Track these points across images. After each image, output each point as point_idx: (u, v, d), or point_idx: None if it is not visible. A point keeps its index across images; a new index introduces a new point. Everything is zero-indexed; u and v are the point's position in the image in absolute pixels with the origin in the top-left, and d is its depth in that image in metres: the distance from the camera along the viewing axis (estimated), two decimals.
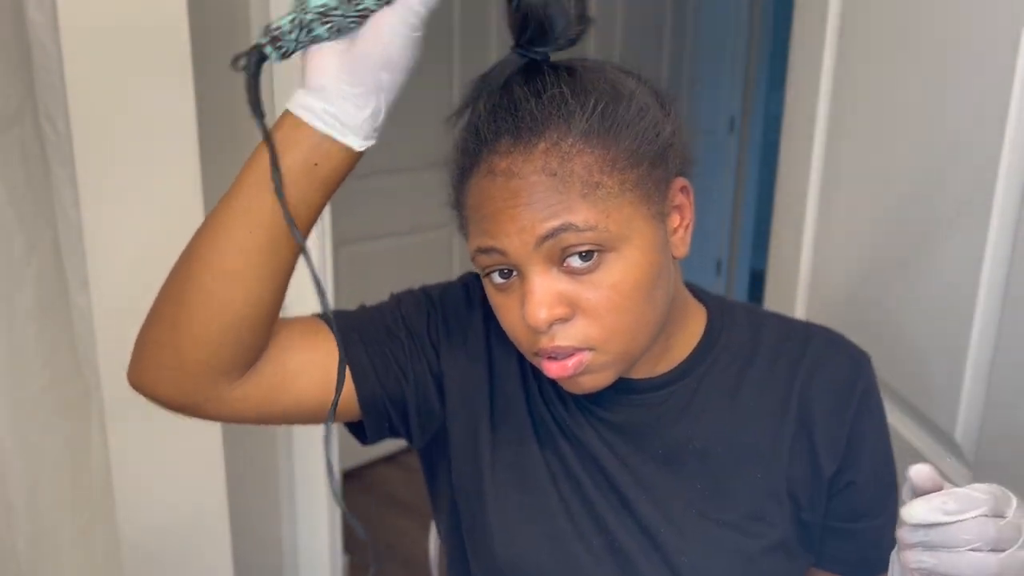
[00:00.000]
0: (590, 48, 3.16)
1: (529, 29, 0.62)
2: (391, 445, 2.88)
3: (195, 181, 1.09)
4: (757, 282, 3.49)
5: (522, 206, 0.62)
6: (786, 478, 0.73)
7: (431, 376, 0.75)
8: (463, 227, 0.69)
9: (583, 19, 0.63)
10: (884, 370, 0.79)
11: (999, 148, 0.85)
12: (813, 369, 0.74)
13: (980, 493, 0.52)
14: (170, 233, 1.12)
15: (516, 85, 0.64)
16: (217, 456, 1.20)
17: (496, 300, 0.67)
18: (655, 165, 0.64)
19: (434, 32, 3.06)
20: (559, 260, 0.62)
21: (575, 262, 0.62)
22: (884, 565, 0.61)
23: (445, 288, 0.80)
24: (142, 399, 1.21)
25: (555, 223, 0.61)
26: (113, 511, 1.22)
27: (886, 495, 0.76)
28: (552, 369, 0.65)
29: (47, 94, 1.06)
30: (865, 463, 0.75)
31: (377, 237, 2.70)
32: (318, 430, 1.60)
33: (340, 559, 1.76)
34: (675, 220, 0.68)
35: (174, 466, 1.21)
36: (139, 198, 1.10)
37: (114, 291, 1.13)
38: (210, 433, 1.19)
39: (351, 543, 2.29)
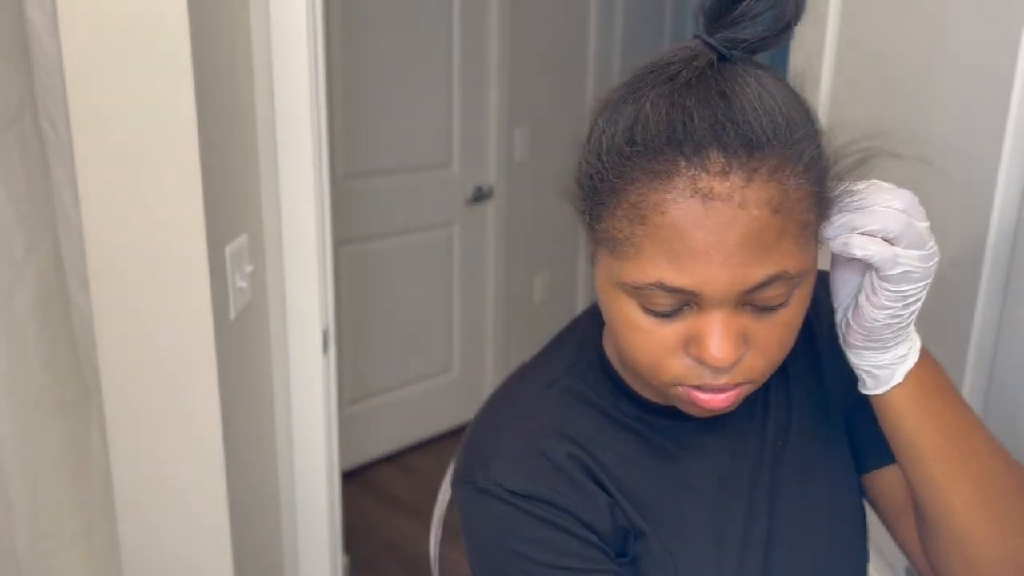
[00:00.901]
0: (590, 48, 3.16)
1: (748, 13, 0.53)
2: (392, 444, 2.88)
3: (195, 181, 1.09)
4: None
5: (740, 247, 0.52)
6: (840, 409, 0.74)
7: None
8: (613, 240, 0.57)
9: (796, 20, 0.56)
10: None
11: (999, 149, 0.85)
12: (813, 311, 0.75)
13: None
14: (170, 233, 1.12)
15: (721, 82, 0.54)
16: (217, 456, 1.20)
17: (643, 324, 0.58)
18: (824, 205, 0.58)
19: (434, 32, 3.06)
20: (749, 299, 0.56)
21: (768, 303, 0.56)
22: None
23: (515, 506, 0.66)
24: (142, 399, 1.22)
25: (771, 271, 0.54)
26: (113, 511, 1.22)
27: None
28: (709, 402, 0.59)
29: (47, 94, 1.06)
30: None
31: (377, 237, 2.70)
32: (318, 430, 1.60)
33: (340, 559, 1.76)
34: None
35: (174, 466, 1.21)
36: (139, 198, 1.10)
37: (114, 291, 1.13)
38: (210, 433, 1.19)
39: (351, 543, 2.29)
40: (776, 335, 0.58)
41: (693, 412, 0.63)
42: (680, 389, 0.60)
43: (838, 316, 0.64)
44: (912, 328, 0.61)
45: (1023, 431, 0.84)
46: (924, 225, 0.57)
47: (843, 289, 0.62)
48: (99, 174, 1.08)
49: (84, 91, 1.05)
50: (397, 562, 2.34)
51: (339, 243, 2.46)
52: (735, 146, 0.52)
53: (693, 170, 0.52)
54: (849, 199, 0.56)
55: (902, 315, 0.59)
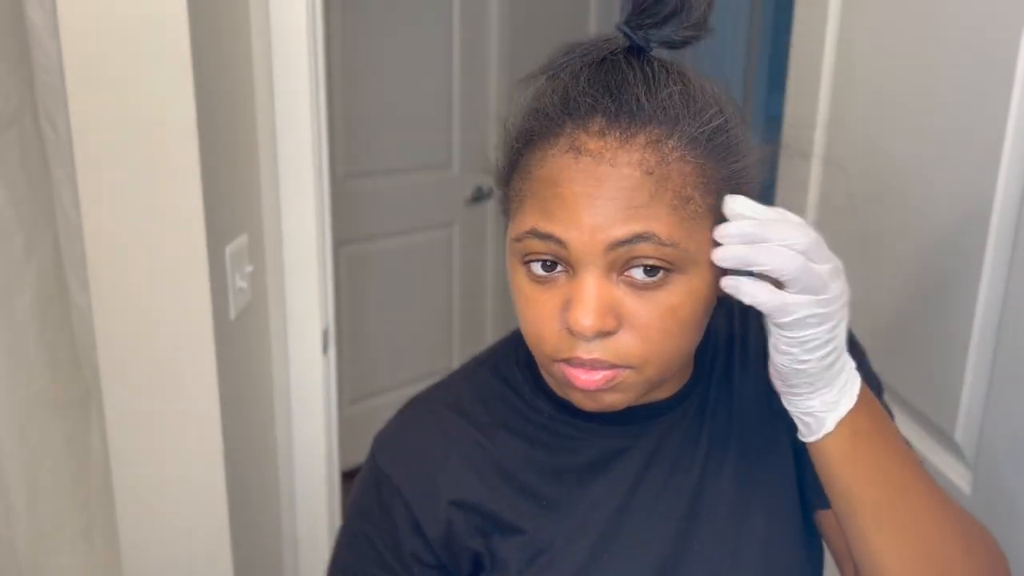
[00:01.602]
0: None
1: (655, 4, 0.56)
2: None
3: (195, 181, 1.09)
4: None
5: (605, 199, 0.55)
6: (782, 421, 0.72)
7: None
8: (510, 201, 0.61)
9: (705, 24, 0.58)
10: (884, 370, 0.79)
11: (999, 148, 0.85)
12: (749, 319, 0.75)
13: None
14: (170, 233, 1.12)
15: (623, 64, 0.58)
16: (217, 456, 1.20)
17: (527, 291, 0.60)
18: (744, 194, 0.58)
19: (434, 32, 3.06)
20: (621, 268, 0.57)
21: (638, 274, 0.56)
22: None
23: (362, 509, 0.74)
24: (142, 399, 1.22)
25: (637, 228, 0.55)
26: (113, 511, 1.22)
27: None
28: (580, 379, 0.59)
29: (47, 94, 1.06)
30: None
31: (377, 237, 2.70)
32: (318, 429, 1.60)
33: None
34: None
35: (174, 466, 1.21)
36: (139, 198, 1.10)
37: (114, 291, 1.13)
38: (210, 433, 1.19)
39: None
40: (656, 319, 0.57)
41: (576, 400, 0.62)
42: (559, 367, 0.60)
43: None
44: (844, 371, 0.58)
45: (1023, 434, 0.84)
46: (826, 267, 0.55)
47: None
48: (99, 174, 1.08)
49: (84, 91, 1.05)
50: None
51: (339, 243, 2.46)
52: (618, 112, 0.56)
53: (576, 131, 0.56)
54: (749, 225, 0.54)
55: (808, 360, 0.55)
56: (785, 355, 0.56)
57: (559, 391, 0.66)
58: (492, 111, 2.91)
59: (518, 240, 0.59)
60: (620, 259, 0.56)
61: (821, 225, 1.29)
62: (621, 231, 0.55)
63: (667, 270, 0.57)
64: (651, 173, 0.55)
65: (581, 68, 0.59)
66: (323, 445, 1.59)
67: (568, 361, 0.59)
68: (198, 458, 1.20)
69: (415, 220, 2.79)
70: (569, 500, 0.70)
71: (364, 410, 2.80)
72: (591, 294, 0.56)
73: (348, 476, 2.65)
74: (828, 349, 0.56)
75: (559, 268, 0.58)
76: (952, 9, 0.94)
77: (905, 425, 1.05)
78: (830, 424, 0.58)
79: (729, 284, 0.55)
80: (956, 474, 0.94)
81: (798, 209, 1.34)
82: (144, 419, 1.19)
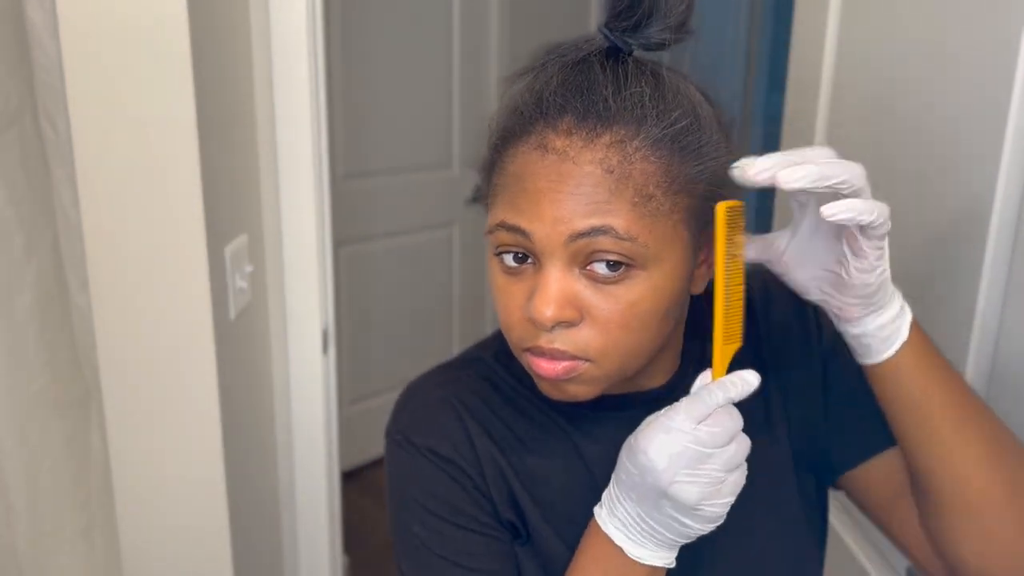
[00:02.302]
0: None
1: (629, 6, 0.58)
2: None
3: (195, 181, 1.09)
4: None
5: (566, 194, 0.57)
6: (786, 425, 0.74)
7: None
8: (486, 195, 0.65)
9: (684, 27, 0.59)
10: None
11: (999, 148, 0.85)
12: (765, 316, 0.75)
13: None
14: (170, 233, 1.12)
15: (596, 66, 0.60)
16: (217, 456, 1.20)
17: (499, 281, 0.63)
18: (707, 198, 0.61)
19: (434, 32, 3.05)
20: (583, 262, 0.59)
21: (600, 268, 0.59)
22: None
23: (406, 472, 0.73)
24: (142, 399, 1.22)
25: (596, 222, 0.57)
26: (113, 511, 1.22)
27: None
28: (542, 367, 0.61)
29: (47, 94, 1.06)
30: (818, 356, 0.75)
31: (377, 237, 2.70)
32: (318, 429, 1.60)
33: (340, 559, 1.76)
34: (702, 255, 0.65)
35: (174, 466, 1.21)
36: (139, 198, 1.10)
37: (114, 291, 1.13)
38: (210, 433, 1.19)
39: (351, 543, 2.29)
40: (617, 313, 0.59)
41: (544, 389, 0.64)
42: (525, 355, 0.63)
43: (815, 296, 0.64)
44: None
45: (1023, 434, 0.84)
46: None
47: (814, 270, 0.63)
48: (99, 174, 1.08)
49: (84, 91, 1.05)
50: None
51: (339, 243, 2.46)
52: (586, 112, 0.58)
53: (546, 130, 0.59)
54: (812, 154, 0.57)
55: (886, 268, 0.60)
56: (874, 270, 0.59)
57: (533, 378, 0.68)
58: (492, 111, 2.91)
59: (490, 232, 0.62)
60: (581, 252, 0.58)
61: None
62: (581, 224, 0.57)
63: (628, 265, 0.59)
64: (611, 171, 0.57)
65: (559, 69, 0.61)
66: (323, 445, 1.59)
67: (532, 350, 0.62)
68: (198, 458, 1.20)
69: (415, 220, 2.80)
70: (576, 489, 0.70)
71: (364, 410, 2.80)
72: (552, 285, 0.59)
73: (348, 476, 2.67)
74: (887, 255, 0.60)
75: (528, 261, 0.61)
76: (952, 10, 0.94)
77: None
78: (905, 330, 0.62)
79: (829, 211, 0.56)
80: None
81: None
82: (144, 419, 1.19)
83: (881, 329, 0.62)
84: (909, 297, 0.74)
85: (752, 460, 0.68)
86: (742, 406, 0.63)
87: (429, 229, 2.85)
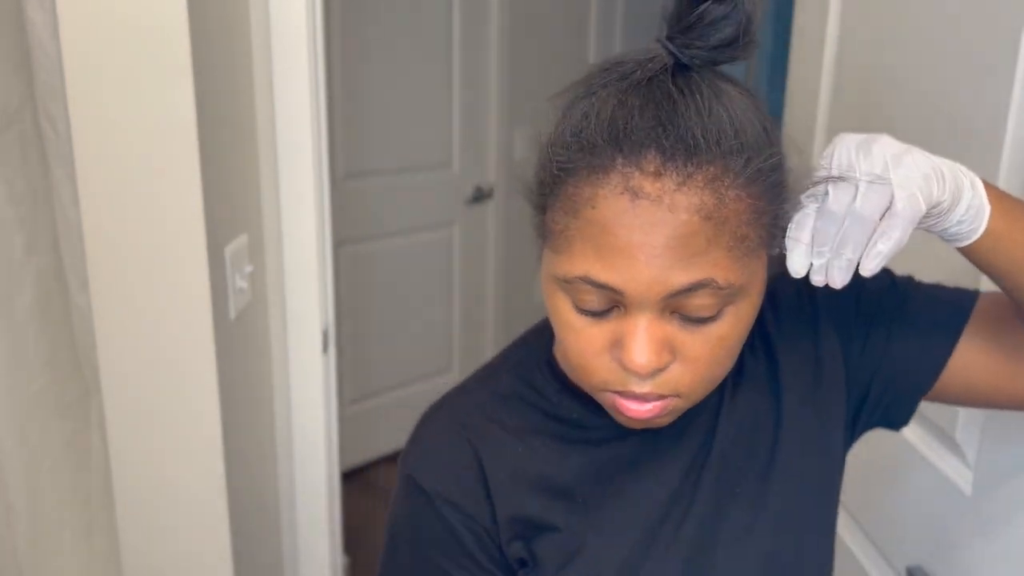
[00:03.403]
0: (590, 48, 3.16)
1: (703, 20, 0.53)
2: (392, 444, 2.88)
3: (195, 181, 1.09)
4: None
5: (665, 248, 0.52)
6: (834, 412, 0.73)
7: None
8: (551, 232, 0.58)
9: (753, 41, 0.55)
10: None
11: (1000, 148, 0.85)
12: (768, 300, 0.74)
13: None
14: (170, 233, 1.12)
15: (671, 88, 0.54)
16: (217, 456, 1.20)
17: (574, 322, 0.58)
18: (779, 217, 0.57)
19: (434, 32, 3.05)
20: (675, 307, 0.56)
21: (694, 314, 0.56)
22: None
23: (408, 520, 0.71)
24: (142, 399, 1.22)
25: (696, 276, 0.53)
26: (113, 511, 1.22)
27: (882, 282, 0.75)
28: (632, 410, 0.59)
29: (47, 94, 1.06)
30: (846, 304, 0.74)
31: (377, 237, 2.70)
32: (317, 429, 1.60)
33: (340, 559, 1.76)
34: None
35: (174, 466, 1.21)
36: (139, 198, 1.10)
37: (114, 291, 1.13)
38: (210, 433, 1.19)
39: (351, 543, 2.29)
40: (707, 350, 0.57)
41: (622, 421, 0.62)
42: (607, 395, 0.60)
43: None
44: (959, 169, 0.59)
45: (1023, 433, 0.84)
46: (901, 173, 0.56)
47: None
48: (99, 174, 1.08)
49: (84, 91, 1.05)
50: None
51: (339, 243, 2.46)
52: (673, 149, 0.52)
53: (628, 168, 0.53)
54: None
55: (945, 179, 0.57)
56: (942, 202, 0.57)
57: (606, 409, 0.65)
58: (492, 111, 2.91)
59: (567, 282, 0.57)
60: (677, 303, 0.55)
61: None
62: (680, 280, 0.53)
63: (722, 306, 0.57)
64: (710, 218, 0.53)
65: (626, 91, 0.55)
66: (323, 445, 1.59)
67: (620, 393, 0.59)
68: (198, 458, 1.20)
69: (415, 220, 2.80)
70: (604, 499, 0.70)
71: (364, 410, 2.80)
72: (646, 335, 0.56)
73: (348, 476, 2.67)
74: (941, 175, 0.57)
75: (614, 309, 0.57)
76: (952, 9, 0.94)
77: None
78: (985, 198, 0.59)
79: (874, 267, 0.55)
80: (956, 474, 0.94)
81: None
82: (144, 419, 1.19)
83: (967, 212, 0.59)
84: (913, 275, 0.74)
85: (798, 434, 0.70)
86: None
87: (429, 229, 2.85)
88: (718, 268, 0.53)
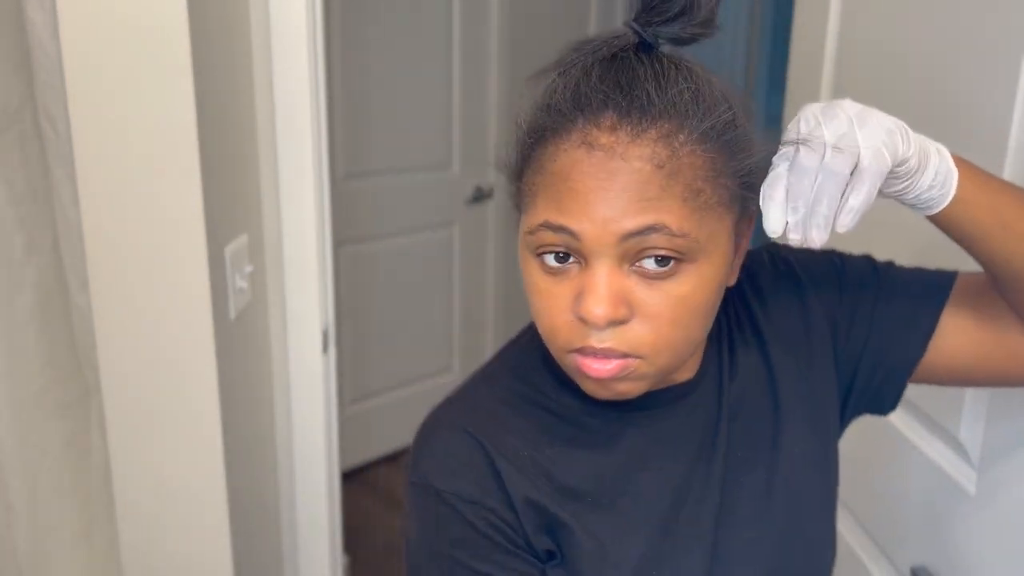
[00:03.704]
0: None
1: (662, 3, 0.58)
2: (392, 444, 2.88)
3: (195, 181, 1.09)
4: None
5: (617, 191, 0.56)
6: (825, 390, 0.75)
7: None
8: (523, 195, 0.62)
9: (712, 22, 0.59)
10: None
11: (1004, 147, 0.84)
12: (753, 290, 0.76)
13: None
14: (170, 233, 1.12)
15: (632, 60, 0.59)
16: (217, 456, 1.20)
17: (540, 283, 0.61)
18: (748, 187, 0.60)
19: (434, 32, 3.05)
20: (633, 259, 0.58)
21: (650, 265, 0.57)
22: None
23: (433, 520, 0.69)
24: (142, 399, 1.22)
25: (649, 220, 0.56)
26: (113, 511, 1.22)
27: (860, 264, 0.77)
28: (592, 368, 0.60)
29: (47, 94, 1.05)
30: (827, 290, 0.76)
31: (377, 237, 2.70)
32: (318, 429, 1.60)
33: (340, 559, 1.76)
34: (738, 247, 0.65)
35: (174, 466, 1.21)
36: (139, 198, 1.10)
37: (114, 291, 1.13)
38: (210, 433, 1.19)
39: (351, 543, 2.29)
40: (667, 308, 0.58)
41: (588, 388, 0.63)
42: (572, 357, 0.61)
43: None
44: (927, 141, 0.62)
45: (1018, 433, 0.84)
46: (872, 137, 0.58)
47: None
48: (99, 174, 1.08)
49: (84, 91, 1.05)
50: (397, 562, 2.34)
51: (339, 243, 2.46)
52: (629, 108, 0.57)
53: (588, 127, 0.57)
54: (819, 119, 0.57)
55: (911, 140, 0.60)
56: (908, 160, 0.59)
57: (576, 380, 0.66)
58: (492, 111, 2.91)
59: (531, 232, 0.60)
60: (632, 250, 0.57)
61: None
62: (633, 223, 0.56)
63: (678, 260, 0.58)
64: (662, 167, 0.56)
65: (592, 64, 0.59)
66: (323, 445, 1.59)
67: (581, 351, 0.60)
68: (198, 458, 1.20)
69: (415, 220, 2.79)
70: (612, 496, 0.70)
71: (364, 410, 2.80)
72: (603, 284, 0.57)
73: (348, 476, 2.67)
74: (905, 132, 0.60)
75: (571, 260, 0.59)
76: (952, 9, 0.94)
77: (909, 424, 1.05)
78: (952, 166, 0.61)
79: (849, 223, 0.57)
80: (960, 474, 0.94)
81: None
82: (144, 419, 1.19)
83: (935, 179, 0.61)
84: None
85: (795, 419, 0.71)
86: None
87: (429, 229, 2.85)
88: (671, 214, 0.56)
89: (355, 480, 2.73)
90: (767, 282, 0.77)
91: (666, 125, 0.57)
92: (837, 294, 0.75)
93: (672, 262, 0.58)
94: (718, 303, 0.63)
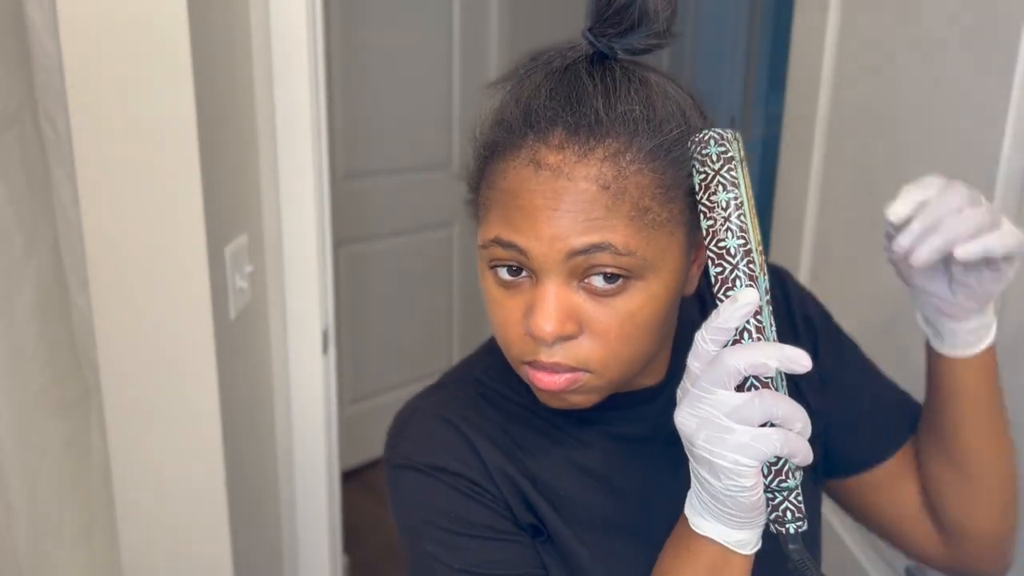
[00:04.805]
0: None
1: (615, 13, 0.58)
2: None
3: (195, 181, 1.09)
4: None
5: (563, 212, 0.56)
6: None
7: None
8: (478, 207, 0.64)
9: (668, 32, 0.59)
10: (885, 369, 0.79)
11: (999, 146, 0.85)
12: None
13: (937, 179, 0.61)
14: (170, 233, 1.12)
15: (584, 74, 0.59)
16: (217, 456, 1.20)
17: (495, 295, 0.62)
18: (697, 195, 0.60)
19: (434, 31, 3.05)
20: (581, 275, 0.58)
21: (598, 282, 0.58)
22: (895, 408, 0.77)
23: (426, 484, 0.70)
24: (142, 399, 1.22)
25: (594, 239, 0.56)
26: (113, 511, 1.22)
27: (858, 359, 0.80)
28: (543, 380, 0.61)
29: (47, 94, 1.06)
30: (826, 351, 0.78)
31: (377, 237, 2.70)
32: (318, 429, 1.60)
33: (340, 559, 1.76)
34: (694, 255, 0.65)
35: (174, 466, 1.21)
36: (139, 198, 1.10)
37: (114, 291, 1.13)
38: (210, 433, 1.19)
39: (351, 543, 2.29)
40: (615, 325, 0.59)
41: (543, 399, 0.64)
42: (525, 368, 0.62)
43: (925, 300, 0.67)
44: None
45: None
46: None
47: (937, 280, 0.66)
48: (99, 174, 1.08)
49: (84, 91, 1.05)
50: (397, 562, 2.34)
51: (339, 243, 2.47)
52: (577, 126, 0.57)
53: (537, 144, 0.58)
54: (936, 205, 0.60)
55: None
56: (1004, 279, 0.63)
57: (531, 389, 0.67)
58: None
59: (484, 247, 0.61)
60: (579, 267, 0.58)
61: (820, 220, 1.29)
62: (579, 241, 0.57)
63: (626, 277, 0.58)
64: (607, 187, 0.56)
65: (544, 78, 0.60)
66: (323, 445, 1.59)
67: (532, 364, 0.61)
68: (198, 458, 1.20)
69: (415, 220, 2.80)
70: (580, 492, 0.70)
71: (364, 410, 2.80)
72: (551, 301, 0.58)
73: (348, 476, 2.67)
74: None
75: (524, 274, 0.60)
76: (951, 8, 0.94)
77: None
78: (994, 330, 0.68)
79: (973, 250, 0.59)
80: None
81: (798, 205, 1.34)
82: (144, 419, 1.19)
83: (982, 327, 0.66)
84: (906, 298, 0.75)
85: None
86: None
87: (429, 229, 2.85)
88: (616, 234, 0.56)
89: (355, 480, 2.73)
90: (806, 309, 0.78)
91: (613, 144, 0.57)
92: (838, 360, 0.78)
93: (620, 279, 0.58)
94: (672, 315, 0.64)
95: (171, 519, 1.24)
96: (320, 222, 1.48)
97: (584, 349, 0.60)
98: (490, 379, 0.75)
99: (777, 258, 1.43)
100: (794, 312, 0.77)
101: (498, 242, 0.59)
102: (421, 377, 2.94)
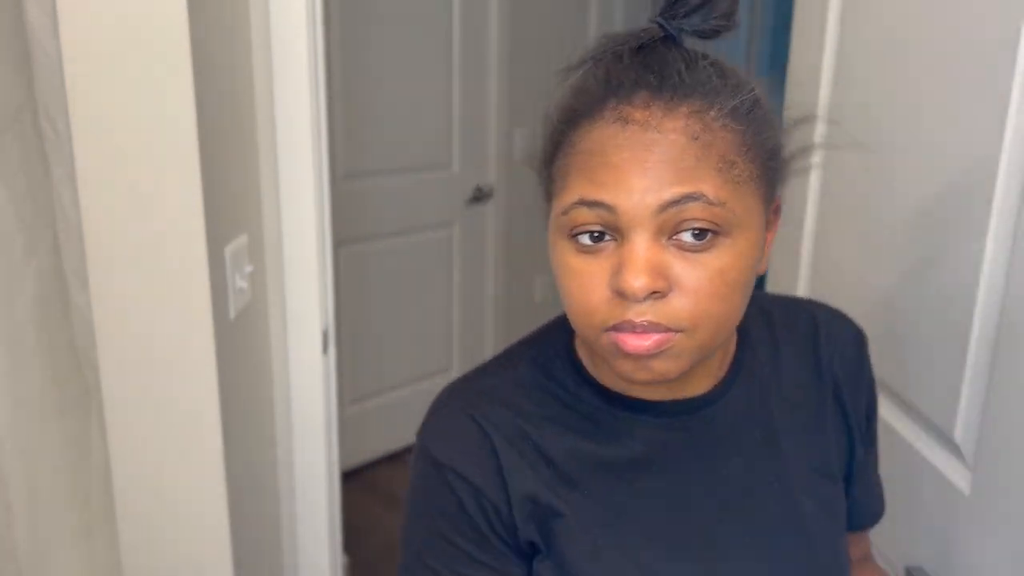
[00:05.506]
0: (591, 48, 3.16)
1: None
2: (392, 444, 2.88)
3: (195, 181, 1.09)
4: (757, 282, 3.48)
5: (654, 162, 0.56)
6: (832, 453, 0.77)
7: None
8: (553, 180, 0.63)
9: (732, 16, 0.61)
10: (883, 370, 0.80)
11: (999, 147, 0.85)
12: (829, 343, 0.78)
13: None
14: (170, 233, 1.12)
15: (661, 48, 0.61)
16: (217, 456, 1.20)
17: (573, 265, 0.61)
18: (777, 170, 0.63)
19: (434, 31, 3.05)
20: (671, 231, 0.58)
21: (687, 237, 0.58)
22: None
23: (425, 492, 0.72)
24: (142, 399, 1.22)
25: (687, 189, 0.56)
26: (113, 511, 1.22)
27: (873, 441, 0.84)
28: (630, 343, 0.59)
29: (47, 94, 1.06)
30: (873, 431, 0.81)
31: (377, 237, 2.70)
32: (318, 429, 1.60)
33: (340, 559, 1.76)
34: (768, 234, 0.65)
35: (174, 466, 1.21)
36: (139, 198, 1.10)
37: (114, 291, 1.13)
38: (210, 433, 1.19)
39: (351, 543, 2.29)
40: (706, 281, 0.58)
41: (627, 371, 0.62)
42: (609, 336, 0.60)
43: None
44: None
45: (1023, 433, 0.84)
46: None
47: None
48: (99, 174, 1.08)
49: (84, 91, 1.05)
50: (397, 562, 2.34)
51: (339, 243, 2.47)
52: (661, 87, 0.58)
53: (620, 105, 0.59)
54: None
55: None
56: None
57: (610, 363, 0.64)
58: (492, 111, 2.91)
59: (565, 213, 0.60)
60: (670, 222, 0.57)
61: (821, 220, 1.29)
62: (670, 192, 0.56)
63: (715, 233, 0.58)
64: (696, 138, 0.57)
65: (622, 51, 0.61)
66: (323, 445, 1.59)
67: (618, 327, 0.59)
68: (198, 458, 1.20)
69: (415, 220, 2.80)
70: (610, 492, 0.70)
71: (364, 410, 2.80)
72: (641, 256, 0.57)
73: (348, 476, 2.67)
74: None
75: (607, 238, 0.59)
76: (951, 9, 0.94)
77: (904, 424, 1.05)
78: None
79: None
80: (955, 474, 0.94)
81: (798, 204, 1.34)
82: (144, 419, 1.19)
83: None
84: (911, 275, 0.76)
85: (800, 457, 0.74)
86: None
87: (429, 229, 2.85)
88: (707, 184, 0.57)
89: (355, 480, 2.73)
90: (846, 345, 0.79)
91: (697, 102, 0.58)
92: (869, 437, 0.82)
93: (709, 235, 0.58)
94: (752, 282, 0.63)
95: (171, 519, 1.24)
96: (320, 222, 1.48)
97: (674, 307, 0.58)
98: (536, 371, 0.74)
99: (777, 258, 1.44)
100: (863, 381, 0.80)
101: (583, 203, 0.58)
102: (421, 377, 2.94)
